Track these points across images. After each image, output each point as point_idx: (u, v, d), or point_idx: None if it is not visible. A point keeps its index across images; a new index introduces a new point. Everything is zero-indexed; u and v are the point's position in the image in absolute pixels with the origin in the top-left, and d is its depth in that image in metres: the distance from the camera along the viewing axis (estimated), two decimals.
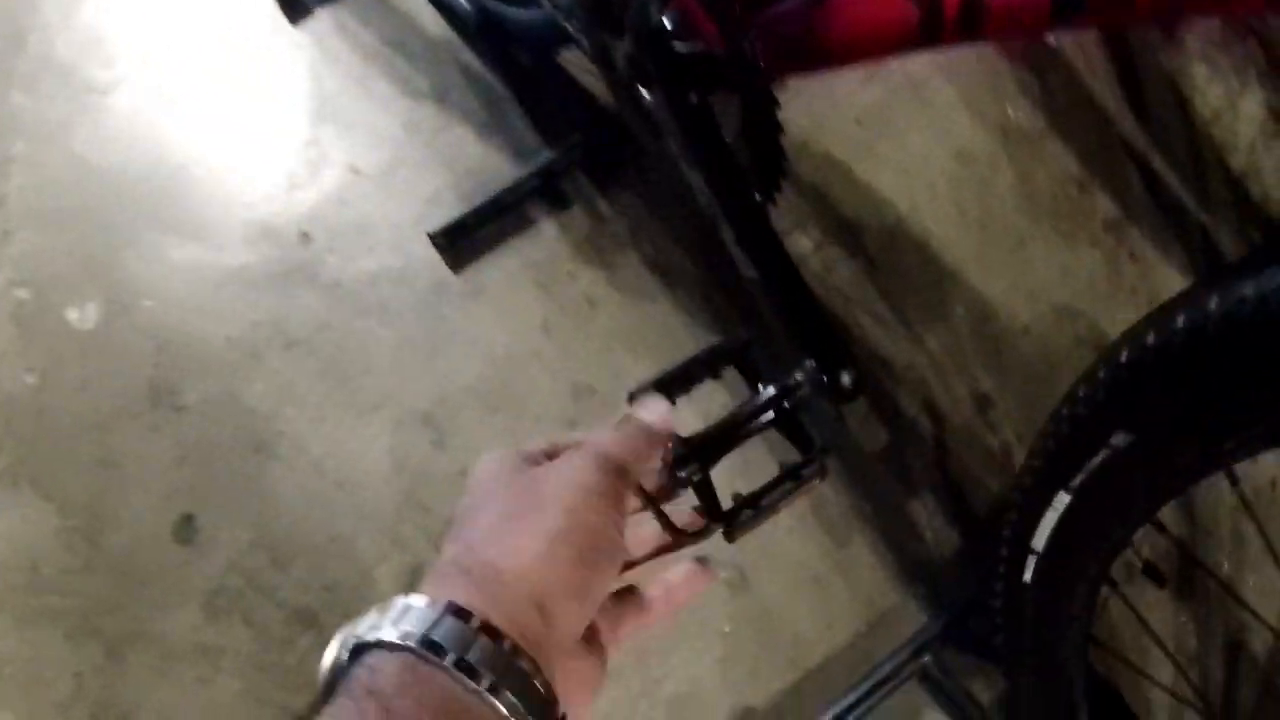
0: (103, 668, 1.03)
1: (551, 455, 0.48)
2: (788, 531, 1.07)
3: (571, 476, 0.44)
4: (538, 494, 0.43)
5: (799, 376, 0.67)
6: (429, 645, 0.35)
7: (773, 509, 0.58)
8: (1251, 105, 1.34)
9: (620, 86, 0.78)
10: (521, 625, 0.38)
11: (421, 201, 1.16)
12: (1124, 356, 0.64)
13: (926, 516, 1.09)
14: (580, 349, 1.11)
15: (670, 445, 0.53)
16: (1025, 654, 0.90)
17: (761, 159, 0.79)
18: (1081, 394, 0.68)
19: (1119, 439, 0.65)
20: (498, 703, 0.35)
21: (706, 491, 0.56)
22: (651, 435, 0.50)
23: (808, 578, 1.06)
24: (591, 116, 1.15)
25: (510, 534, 0.42)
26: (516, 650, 0.37)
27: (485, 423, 1.10)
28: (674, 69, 0.73)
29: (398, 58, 1.22)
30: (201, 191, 1.21)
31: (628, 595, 0.51)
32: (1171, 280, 1.24)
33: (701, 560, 0.55)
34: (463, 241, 1.12)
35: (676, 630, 1.04)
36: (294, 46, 1.22)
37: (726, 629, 1.05)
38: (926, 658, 1.02)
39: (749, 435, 0.62)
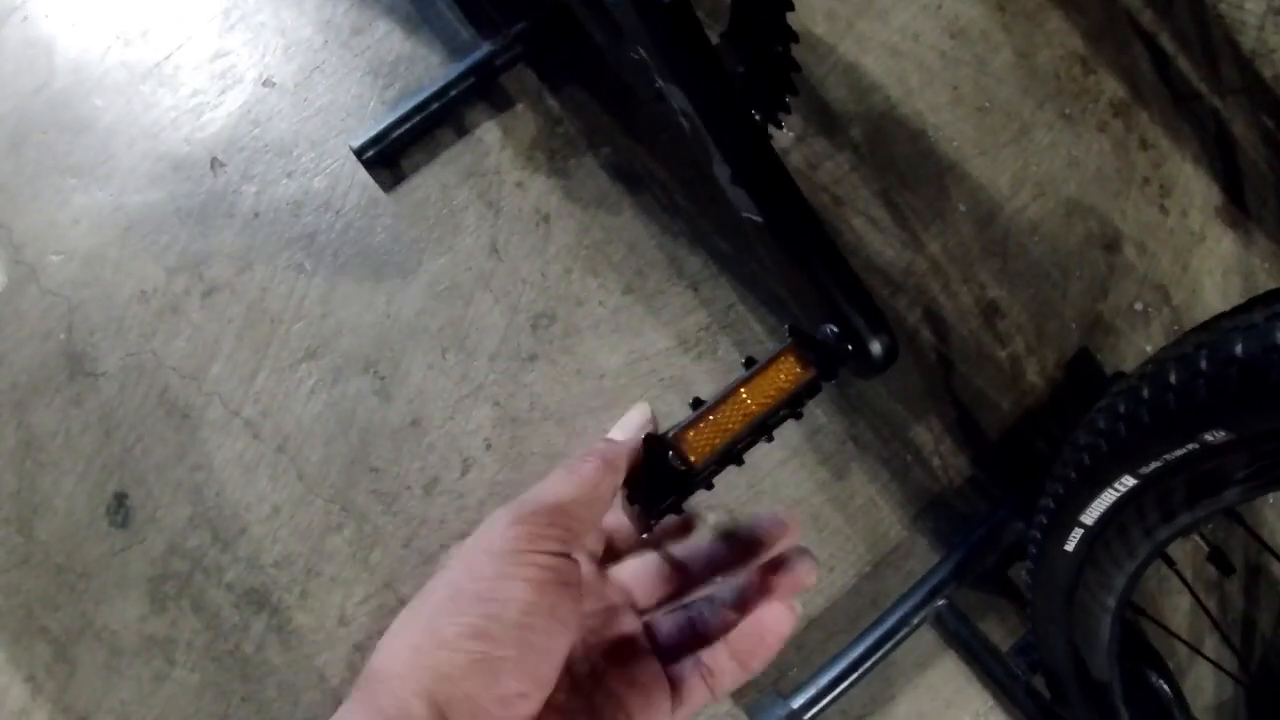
0: (54, 669, 0.96)
1: None
2: (779, 464, 0.95)
3: (477, 540, 0.39)
4: (449, 569, 0.39)
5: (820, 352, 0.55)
6: None
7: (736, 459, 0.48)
8: None
9: None
10: None
11: (343, 113, 1.01)
12: (1238, 349, 0.52)
13: (932, 441, 0.98)
14: (535, 272, 0.98)
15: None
16: (1055, 612, 0.80)
17: (761, 66, 0.64)
18: (1174, 381, 0.56)
19: (1214, 436, 0.54)
20: None
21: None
22: (618, 454, 0.43)
23: (804, 517, 0.95)
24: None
25: (396, 629, 0.38)
26: None
27: (435, 366, 0.97)
28: None
29: None
30: (101, 123, 1.07)
31: (686, 670, 0.44)
32: (1185, 170, 1.11)
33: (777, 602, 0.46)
34: (393, 155, 0.98)
35: None
36: None
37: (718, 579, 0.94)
38: (940, 601, 0.92)
39: (763, 437, 0.50)
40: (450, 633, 0.35)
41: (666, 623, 0.46)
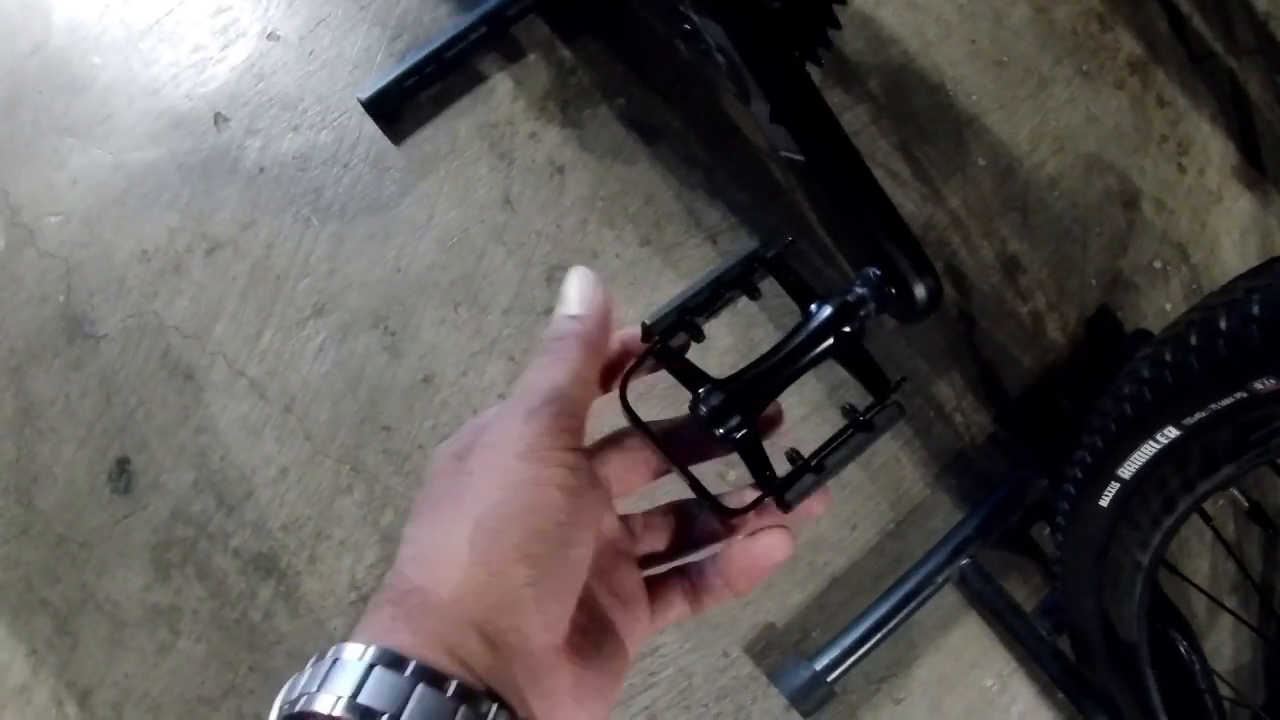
0: (55, 643, 0.93)
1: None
2: (801, 420, 0.93)
3: (496, 440, 0.35)
4: (469, 475, 0.35)
5: (861, 290, 0.52)
6: (359, 711, 0.30)
7: (839, 467, 0.43)
8: None
9: None
10: (467, 658, 0.32)
11: (350, 65, 0.99)
12: None
13: (954, 398, 0.96)
14: (550, 224, 0.96)
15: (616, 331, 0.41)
16: (1085, 570, 0.79)
17: (804, 4, 0.62)
18: (1224, 326, 0.54)
19: (1264, 384, 0.53)
20: None
21: (753, 451, 0.42)
22: (578, 327, 0.39)
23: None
24: None
25: (433, 538, 0.35)
26: (466, 692, 0.31)
27: (446, 321, 0.95)
28: None
29: None
30: (99, 81, 1.04)
31: (668, 580, 0.41)
32: (1202, 129, 1.10)
33: (775, 527, 0.41)
34: (402, 107, 0.96)
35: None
36: None
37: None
38: (964, 560, 0.90)
39: (803, 371, 0.46)
40: (501, 557, 0.33)
41: (647, 524, 0.42)
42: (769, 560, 0.40)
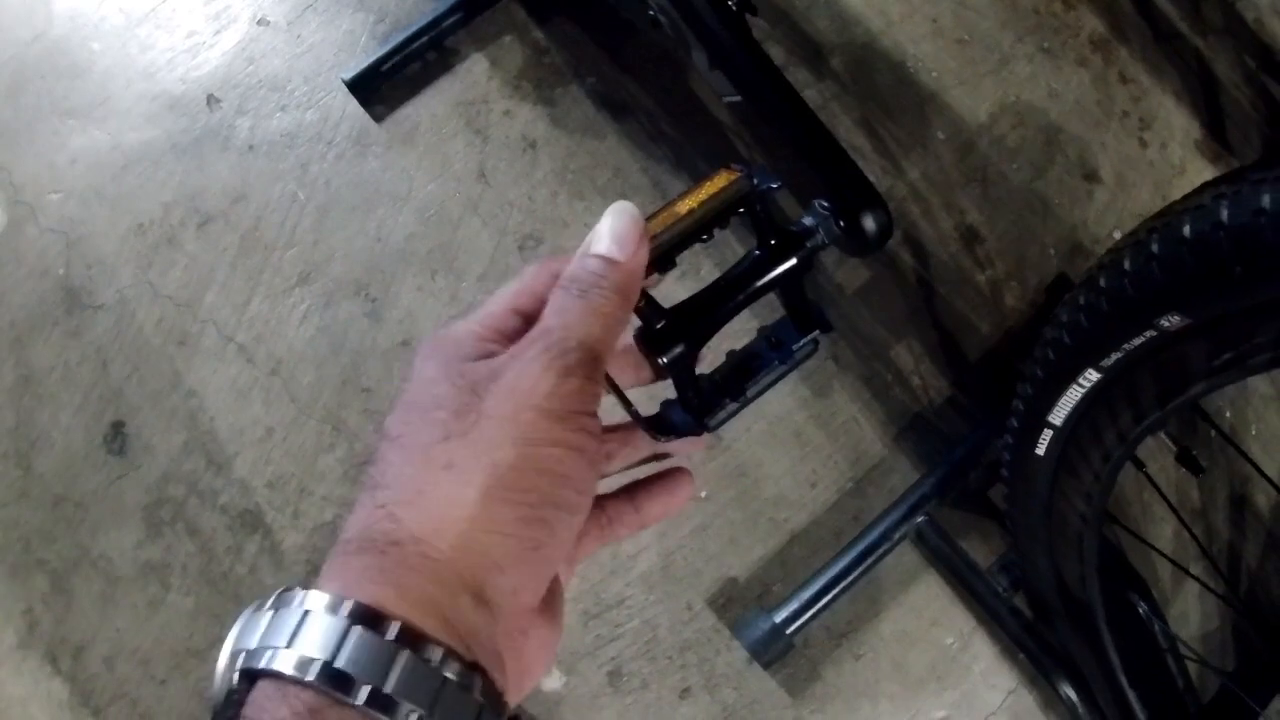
0: (51, 601, 0.98)
1: (510, 335, 0.35)
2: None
3: (519, 385, 0.32)
4: (480, 416, 0.31)
5: (809, 222, 0.54)
6: (336, 679, 0.27)
7: (758, 394, 0.46)
8: None
9: None
10: (456, 620, 0.29)
11: (335, 48, 1.04)
12: (1186, 230, 0.52)
13: (913, 362, 0.99)
14: (523, 196, 1.00)
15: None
16: (1033, 525, 0.81)
17: None
18: (1129, 266, 0.57)
19: (1169, 321, 0.55)
20: None
21: (686, 378, 0.45)
22: (619, 271, 0.35)
23: (787, 433, 0.97)
24: None
25: (436, 484, 0.31)
26: (451, 657, 0.28)
27: (424, 288, 0.99)
28: None
29: None
30: (98, 66, 1.10)
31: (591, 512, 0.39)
32: (1165, 105, 1.13)
33: (678, 467, 0.42)
34: (383, 86, 1.00)
35: None
36: None
37: (702, 494, 0.96)
38: (920, 518, 0.93)
39: (750, 301, 0.48)
40: (514, 520, 0.30)
41: None
42: (681, 498, 0.41)
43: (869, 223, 0.56)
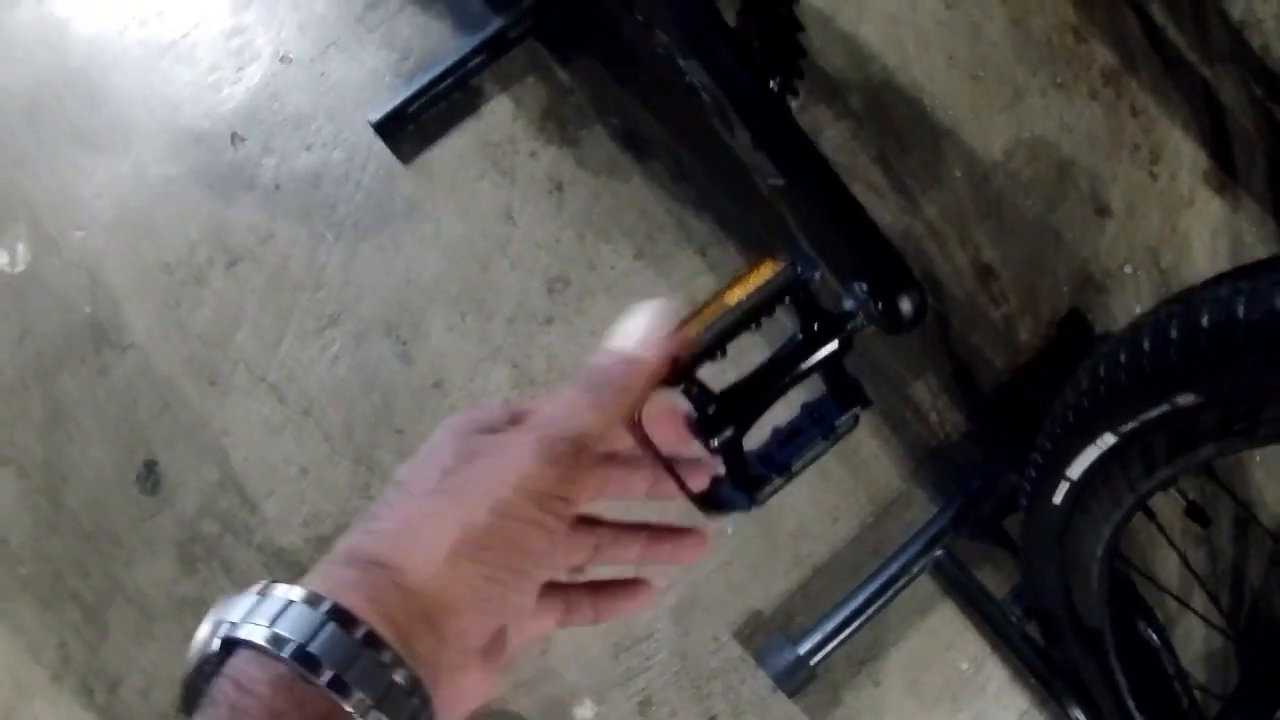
0: (84, 633, 0.99)
1: (516, 420, 0.39)
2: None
3: (506, 464, 0.36)
4: (467, 481, 0.36)
5: (849, 306, 0.56)
6: (306, 659, 0.31)
7: (802, 469, 0.48)
8: None
9: None
10: (410, 638, 0.34)
11: (359, 87, 1.05)
12: (1205, 320, 0.57)
13: (930, 397, 1.02)
14: (550, 237, 1.02)
15: (674, 354, 0.41)
16: (1047, 562, 0.85)
17: (773, 34, 0.67)
18: (1148, 347, 0.61)
19: (1185, 399, 0.59)
20: None
21: (736, 457, 0.47)
22: (631, 372, 0.38)
23: (810, 469, 0.99)
24: None
25: (421, 530, 0.36)
26: (401, 665, 0.33)
27: (454, 328, 1.01)
28: None
29: None
30: (120, 99, 1.10)
31: (551, 590, 0.42)
32: (1174, 135, 1.15)
33: (639, 580, 0.45)
34: (409, 127, 1.01)
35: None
36: None
37: (728, 530, 0.99)
38: (939, 550, 0.97)
39: (795, 384, 0.50)
40: (472, 574, 0.35)
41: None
42: (638, 599, 0.45)
43: (905, 305, 0.58)
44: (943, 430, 1.02)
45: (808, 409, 0.58)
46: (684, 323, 0.49)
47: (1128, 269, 1.09)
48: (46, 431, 1.04)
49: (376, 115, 1.00)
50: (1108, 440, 0.68)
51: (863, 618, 0.97)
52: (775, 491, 0.51)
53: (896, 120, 1.07)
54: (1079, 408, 0.70)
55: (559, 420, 0.37)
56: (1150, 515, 0.80)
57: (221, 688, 0.31)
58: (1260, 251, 1.14)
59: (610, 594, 0.44)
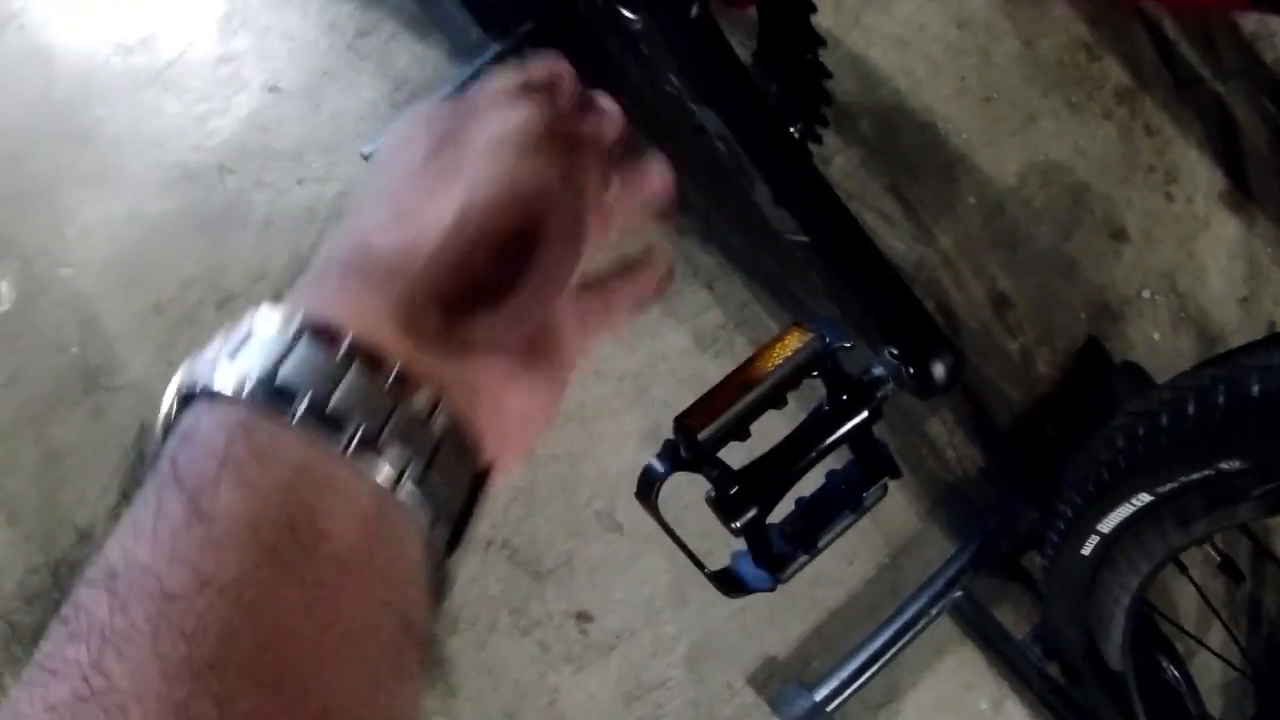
0: None
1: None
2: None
3: (502, 114, 0.30)
4: (462, 142, 0.29)
5: (878, 372, 0.52)
6: (272, 393, 0.23)
7: (829, 544, 0.46)
8: None
9: (595, 6, 0.61)
10: (421, 343, 0.26)
11: (353, 118, 1.01)
12: (1255, 389, 0.55)
13: (945, 434, 0.99)
14: None
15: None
16: (1071, 608, 0.82)
17: (794, 78, 0.64)
18: (1193, 411, 0.59)
19: (1230, 464, 0.57)
20: (377, 470, 0.23)
21: (759, 536, 0.44)
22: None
23: None
24: None
25: (413, 204, 0.28)
26: (407, 380, 0.24)
27: None
28: None
29: None
30: (106, 133, 1.06)
31: (593, 288, 0.35)
32: (1189, 156, 1.12)
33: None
34: None
35: (686, 579, 0.95)
36: None
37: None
38: (957, 591, 0.94)
39: (818, 460, 0.47)
40: (489, 220, 0.28)
41: None
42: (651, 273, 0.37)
43: (939, 370, 0.55)
44: (960, 467, 0.99)
45: (833, 479, 0.55)
46: (705, 396, 0.46)
47: (1145, 293, 1.06)
48: (39, 475, 1.01)
49: (369, 148, 0.96)
50: (1143, 499, 0.66)
51: (880, 662, 0.94)
52: (800, 569, 0.48)
53: (907, 146, 1.04)
54: (1114, 466, 0.67)
55: (525, 71, 0.34)
56: (1182, 568, 0.78)
57: (167, 448, 0.24)
58: (1277, 275, 1.11)
59: (619, 279, 0.36)
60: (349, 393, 0.23)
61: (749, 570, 0.52)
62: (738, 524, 0.46)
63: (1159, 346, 1.05)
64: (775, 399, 0.47)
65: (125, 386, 1.00)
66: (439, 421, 0.25)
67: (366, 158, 0.97)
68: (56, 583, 0.99)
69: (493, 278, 0.27)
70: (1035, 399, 1.01)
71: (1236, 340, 1.08)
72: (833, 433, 0.51)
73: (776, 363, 0.46)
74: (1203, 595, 0.83)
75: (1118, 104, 1.11)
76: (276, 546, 0.21)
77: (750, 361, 0.47)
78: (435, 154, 0.29)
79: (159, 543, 0.21)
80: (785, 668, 0.95)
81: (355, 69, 1.03)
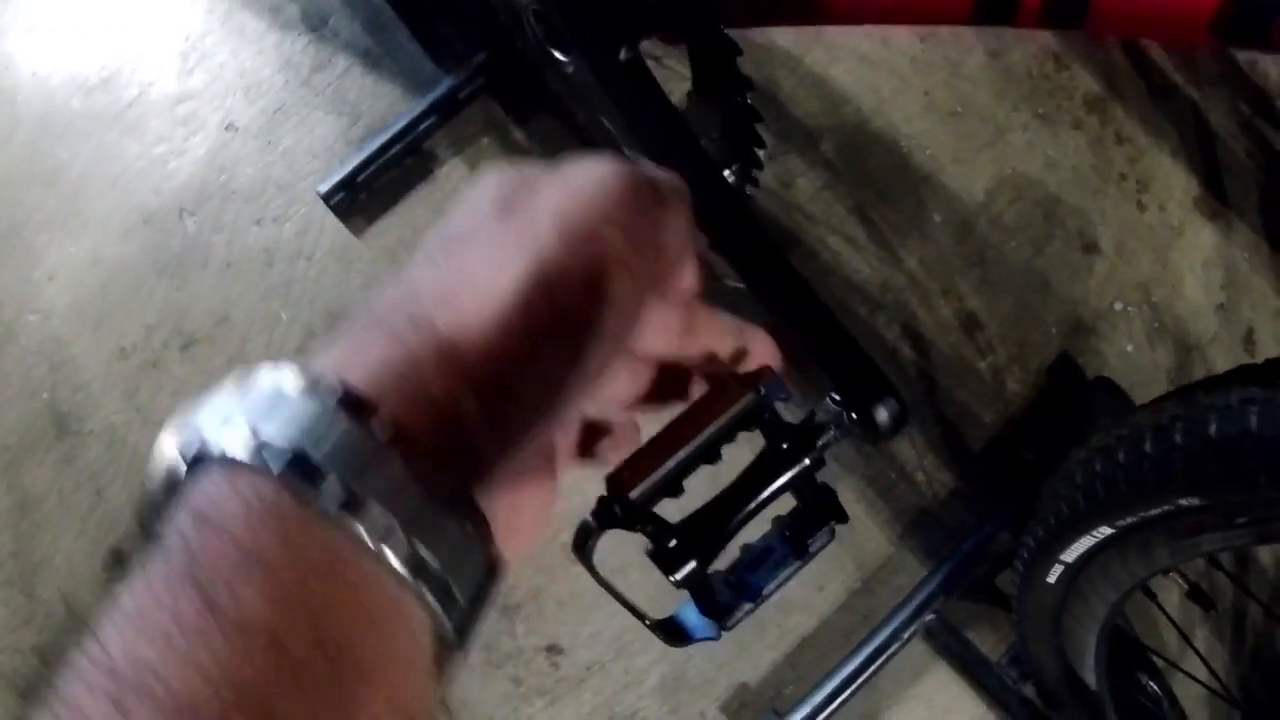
0: None
1: None
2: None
3: (581, 183, 0.26)
4: (530, 207, 0.26)
5: (820, 419, 0.52)
6: (303, 471, 0.21)
7: (774, 592, 0.45)
8: None
9: (531, 47, 0.61)
10: (460, 420, 0.23)
11: (309, 154, 1.01)
12: (1213, 429, 0.54)
13: (916, 457, 0.98)
14: None
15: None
16: (1042, 632, 0.82)
17: (727, 125, 0.63)
18: (1150, 449, 0.58)
19: (1188, 501, 0.57)
20: (399, 563, 0.21)
21: (701, 588, 0.44)
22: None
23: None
24: (495, 29, 0.98)
25: (471, 269, 0.25)
26: (438, 471, 0.22)
27: None
28: (591, 20, 0.57)
29: None
30: (69, 176, 1.06)
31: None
32: (1162, 163, 1.10)
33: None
34: (361, 196, 0.97)
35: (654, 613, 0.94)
36: None
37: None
38: (930, 615, 0.93)
39: (759, 511, 0.46)
40: (540, 319, 0.25)
41: None
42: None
43: (882, 415, 0.54)
44: (931, 491, 0.98)
45: (779, 525, 0.54)
46: (638, 453, 0.45)
47: (1118, 306, 1.04)
48: (14, 521, 1.01)
49: (325, 186, 0.96)
50: (1104, 532, 0.65)
51: (853, 687, 0.94)
52: (745, 616, 0.47)
53: (873, 166, 1.02)
54: (1073, 501, 0.66)
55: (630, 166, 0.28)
56: (1150, 595, 0.77)
57: (177, 525, 0.21)
58: (1255, 280, 1.09)
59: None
60: (379, 479, 0.21)
61: (694, 619, 0.52)
62: (677, 577, 0.45)
63: (1134, 360, 1.03)
64: (709, 455, 0.46)
65: (95, 431, 1.01)
66: (464, 517, 0.23)
67: (322, 196, 0.97)
68: (32, 626, 0.99)
69: (544, 339, 0.25)
70: (1007, 418, 0.99)
71: (1214, 350, 1.06)
72: (772, 482, 0.50)
73: (708, 421, 0.46)
74: (1174, 623, 0.82)
75: (1088, 113, 1.09)
76: (301, 660, 0.20)
77: (683, 417, 0.46)
78: (501, 212, 0.26)
79: (170, 643, 0.19)
80: (758, 696, 0.95)
81: (309, 104, 1.02)
